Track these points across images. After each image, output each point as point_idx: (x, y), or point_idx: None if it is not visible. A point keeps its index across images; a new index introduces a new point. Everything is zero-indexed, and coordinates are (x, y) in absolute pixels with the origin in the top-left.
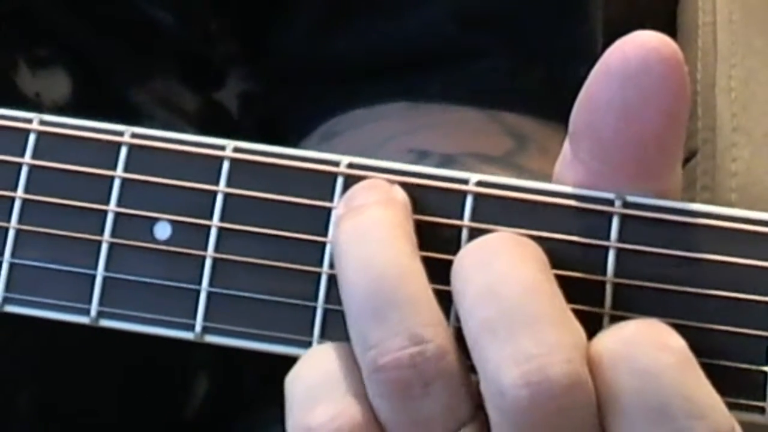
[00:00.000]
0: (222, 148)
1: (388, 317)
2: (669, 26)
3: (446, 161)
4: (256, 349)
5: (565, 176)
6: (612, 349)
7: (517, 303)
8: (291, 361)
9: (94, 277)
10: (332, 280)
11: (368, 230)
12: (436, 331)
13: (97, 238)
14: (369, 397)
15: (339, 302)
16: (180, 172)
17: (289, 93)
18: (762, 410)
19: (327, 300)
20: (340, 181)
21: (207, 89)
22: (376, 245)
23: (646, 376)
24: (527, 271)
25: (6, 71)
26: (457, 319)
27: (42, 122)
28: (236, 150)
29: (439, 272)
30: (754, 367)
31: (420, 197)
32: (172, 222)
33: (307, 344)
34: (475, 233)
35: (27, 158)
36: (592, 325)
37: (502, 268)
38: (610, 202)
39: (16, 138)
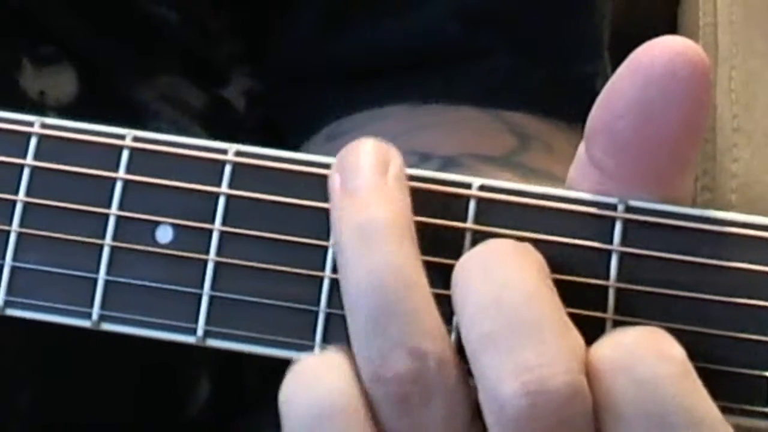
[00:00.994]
0: (224, 151)
1: (389, 329)
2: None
3: (448, 163)
4: (258, 353)
5: (578, 179)
6: (612, 357)
7: (517, 313)
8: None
9: (95, 280)
10: (335, 284)
11: (369, 232)
12: (435, 344)
13: (99, 241)
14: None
15: (341, 306)
16: (182, 175)
17: (290, 94)
18: (766, 416)
19: (329, 304)
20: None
21: (212, 87)
22: (378, 253)
23: (645, 386)
24: (528, 280)
25: (9, 71)
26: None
27: (43, 125)
28: (238, 153)
29: (441, 276)
30: (757, 373)
31: (423, 201)
32: (174, 225)
33: (309, 348)
34: (477, 237)
35: (29, 161)
36: (594, 330)
37: (503, 278)
38: (613, 207)
39: (17, 141)
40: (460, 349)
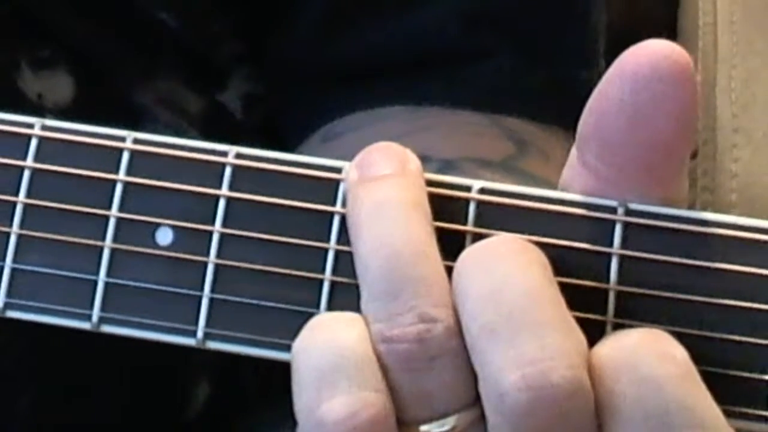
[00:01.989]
0: (224, 153)
1: (400, 295)
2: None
3: (446, 166)
4: (258, 355)
5: (572, 182)
6: (614, 357)
7: (520, 307)
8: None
9: (95, 282)
10: (334, 286)
11: (385, 207)
12: (445, 312)
13: (99, 243)
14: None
15: (342, 309)
16: (182, 177)
17: (289, 94)
18: (765, 420)
19: (329, 306)
20: (342, 187)
21: (210, 90)
22: (393, 224)
23: (647, 385)
24: (531, 275)
25: (8, 73)
26: None
27: (44, 127)
28: (238, 156)
29: None
30: (758, 376)
31: None
32: (174, 227)
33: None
34: (478, 239)
35: (29, 162)
36: (594, 332)
37: (506, 271)
38: (613, 210)
39: (18, 143)
40: None
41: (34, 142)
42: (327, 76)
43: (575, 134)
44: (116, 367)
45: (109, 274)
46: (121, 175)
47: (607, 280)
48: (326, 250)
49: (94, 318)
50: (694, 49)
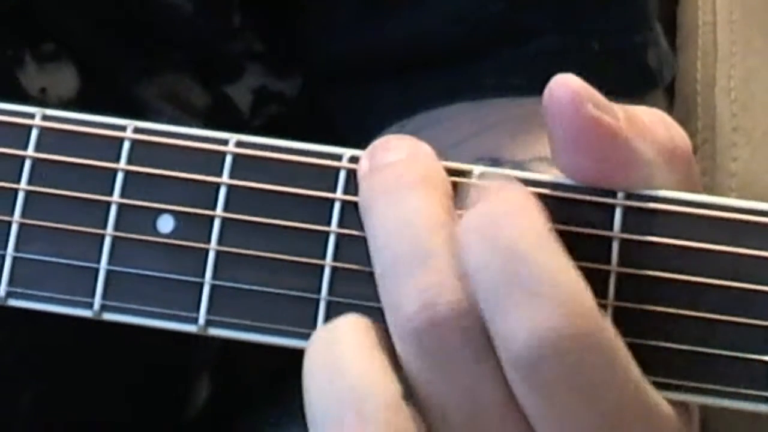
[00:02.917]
0: (225, 142)
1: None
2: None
3: (517, 168)
4: (260, 341)
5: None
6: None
7: (422, 237)
8: (293, 359)
9: (97, 270)
10: (336, 272)
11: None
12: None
13: (100, 231)
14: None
15: (342, 295)
16: (183, 165)
17: (338, 93)
18: (765, 400)
19: (330, 292)
20: (342, 174)
21: (219, 83)
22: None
23: (483, 219)
24: (431, 208)
25: (10, 67)
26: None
27: (45, 117)
28: (239, 144)
29: None
30: (756, 357)
31: None
32: (175, 215)
33: (311, 337)
34: None
35: (30, 152)
36: None
37: (411, 205)
38: (613, 194)
39: (19, 132)
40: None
41: (35, 132)
42: (372, 69)
43: (629, 101)
44: (117, 366)
45: (110, 262)
46: (122, 164)
47: (608, 264)
48: (327, 237)
49: (96, 306)
50: (693, 48)
